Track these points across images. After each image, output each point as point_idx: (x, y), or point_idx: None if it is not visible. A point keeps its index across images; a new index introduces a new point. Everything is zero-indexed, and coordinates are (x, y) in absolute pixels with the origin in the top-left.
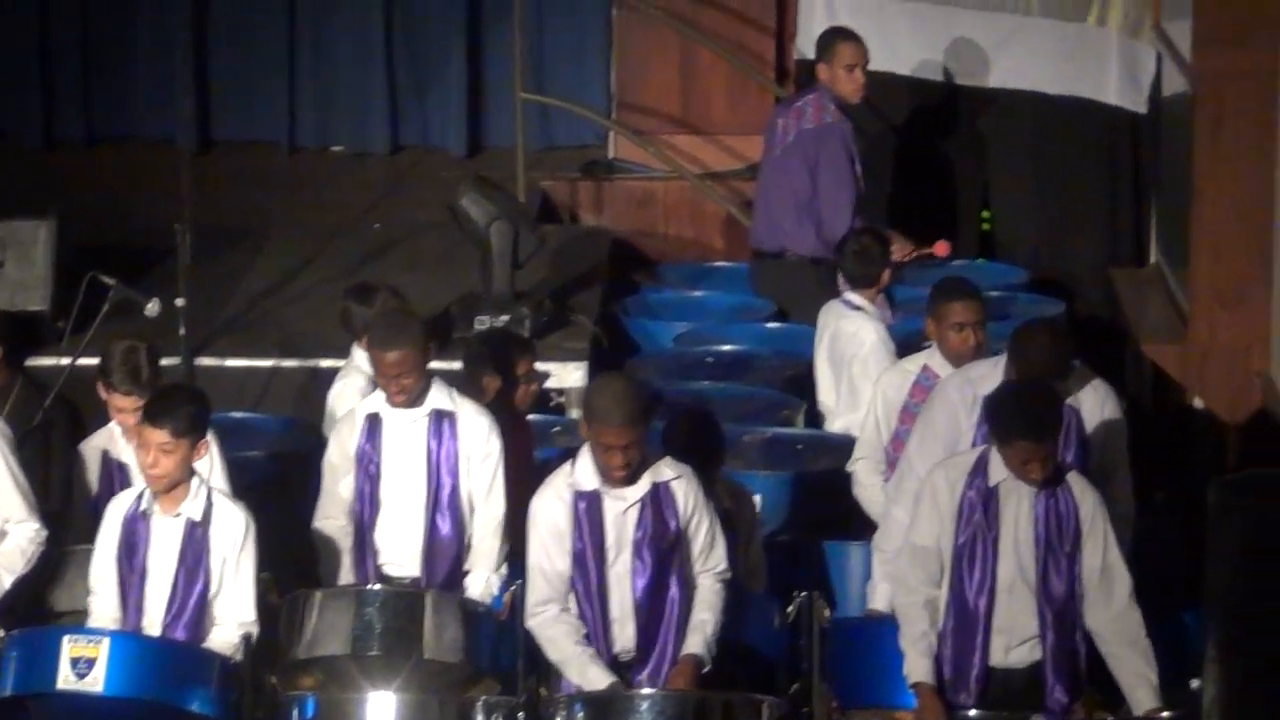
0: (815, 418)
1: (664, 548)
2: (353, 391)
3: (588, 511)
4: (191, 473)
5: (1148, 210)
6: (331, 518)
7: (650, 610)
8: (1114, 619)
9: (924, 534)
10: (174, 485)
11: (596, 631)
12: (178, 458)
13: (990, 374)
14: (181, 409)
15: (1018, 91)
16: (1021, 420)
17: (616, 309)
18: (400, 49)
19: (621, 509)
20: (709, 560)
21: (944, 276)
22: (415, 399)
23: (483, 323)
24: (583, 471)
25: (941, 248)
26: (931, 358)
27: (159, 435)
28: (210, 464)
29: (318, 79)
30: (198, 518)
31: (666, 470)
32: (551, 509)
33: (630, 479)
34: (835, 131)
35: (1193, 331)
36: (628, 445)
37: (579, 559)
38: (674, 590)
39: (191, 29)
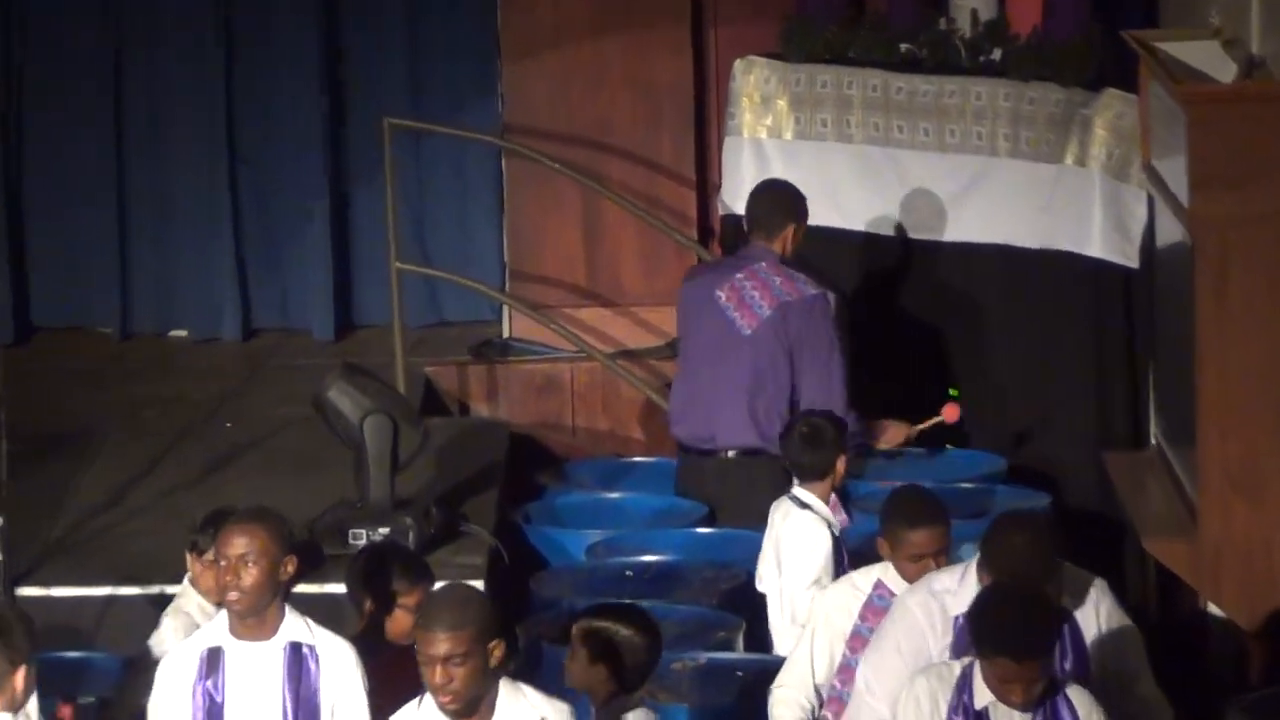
0: (760, 639)
1: None
2: (178, 632)
3: None
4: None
5: (1144, 382)
6: None
7: None
8: None
9: None
10: None
11: None
12: None
13: (957, 588)
14: None
15: (986, 246)
16: (1002, 634)
17: (517, 516)
18: (251, 213)
19: None
20: None
21: (901, 486)
22: (263, 624)
23: (358, 537)
24: (428, 709)
25: (951, 412)
26: (886, 572)
27: None
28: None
29: (153, 253)
30: None
31: (532, 709)
32: None
33: (466, 710)
34: (823, 301)
35: (1204, 524)
36: (448, 657)
37: None
38: None
39: (4, 199)
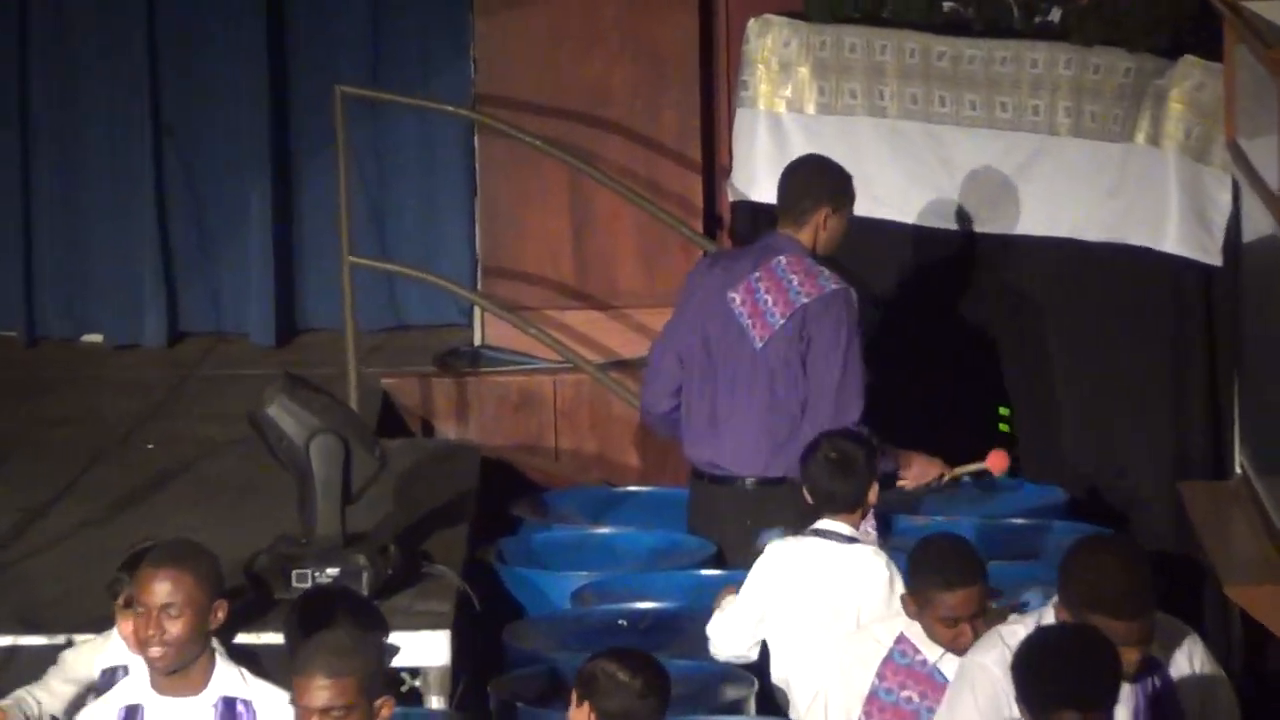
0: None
1: None
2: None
3: None
4: None
5: (1228, 400)
6: None
7: None
8: None
9: None
10: None
11: None
12: None
13: None
14: None
15: (1043, 239)
16: (1063, 684)
17: (490, 555)
18: (178, 196)
19: None
20: None
21: (932, 535)
22: (189, 677)
23: (303, 579)
24: None
25: (997, 460)
26: (910, 626)
27: None
28: None
29: (63, 243)
30: None
31: None
32: None
33: None
34: (844, 297)
35: None
36: (326, 709)
37: None
38: None
39: None
